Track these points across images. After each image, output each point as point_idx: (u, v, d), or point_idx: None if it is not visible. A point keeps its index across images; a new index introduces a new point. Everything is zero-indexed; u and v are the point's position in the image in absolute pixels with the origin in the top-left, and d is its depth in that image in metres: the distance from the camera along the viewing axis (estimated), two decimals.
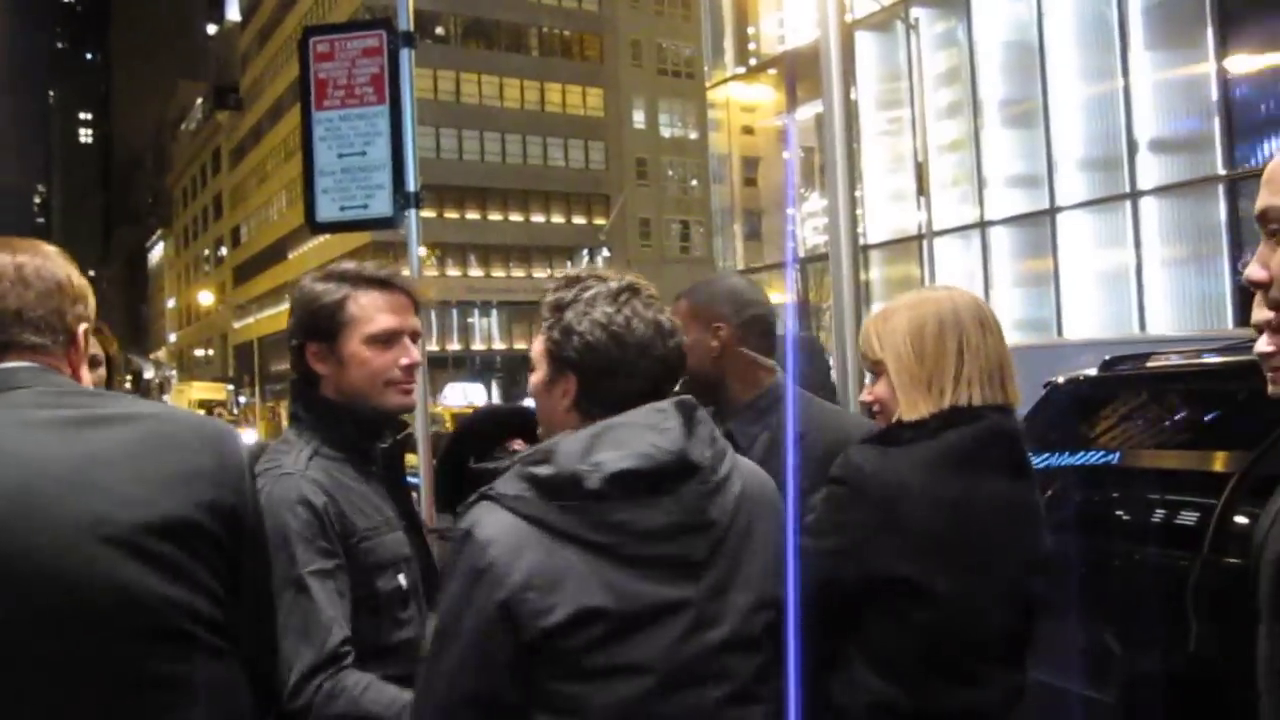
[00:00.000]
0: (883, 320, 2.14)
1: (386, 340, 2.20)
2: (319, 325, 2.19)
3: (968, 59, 21.53)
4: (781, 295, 31.66)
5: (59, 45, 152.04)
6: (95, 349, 2.96)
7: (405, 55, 5.93)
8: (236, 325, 73.76)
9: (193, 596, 1.55)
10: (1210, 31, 17.13)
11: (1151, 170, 18.20)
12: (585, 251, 53.86)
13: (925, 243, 20.14)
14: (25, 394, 1.57)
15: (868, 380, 2.21)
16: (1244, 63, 17.01)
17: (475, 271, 52.87)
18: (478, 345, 52.37)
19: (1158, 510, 3.79)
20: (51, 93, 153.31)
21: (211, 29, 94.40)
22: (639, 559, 1.65)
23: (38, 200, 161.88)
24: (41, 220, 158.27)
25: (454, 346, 50.69)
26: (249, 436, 28.34)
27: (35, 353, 1.60)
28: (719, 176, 31.57)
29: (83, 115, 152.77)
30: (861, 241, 24.42)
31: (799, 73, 26.42)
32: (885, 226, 23.14)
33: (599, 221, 52.80)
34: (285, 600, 1.95)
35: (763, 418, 2.53)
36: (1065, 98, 19.61)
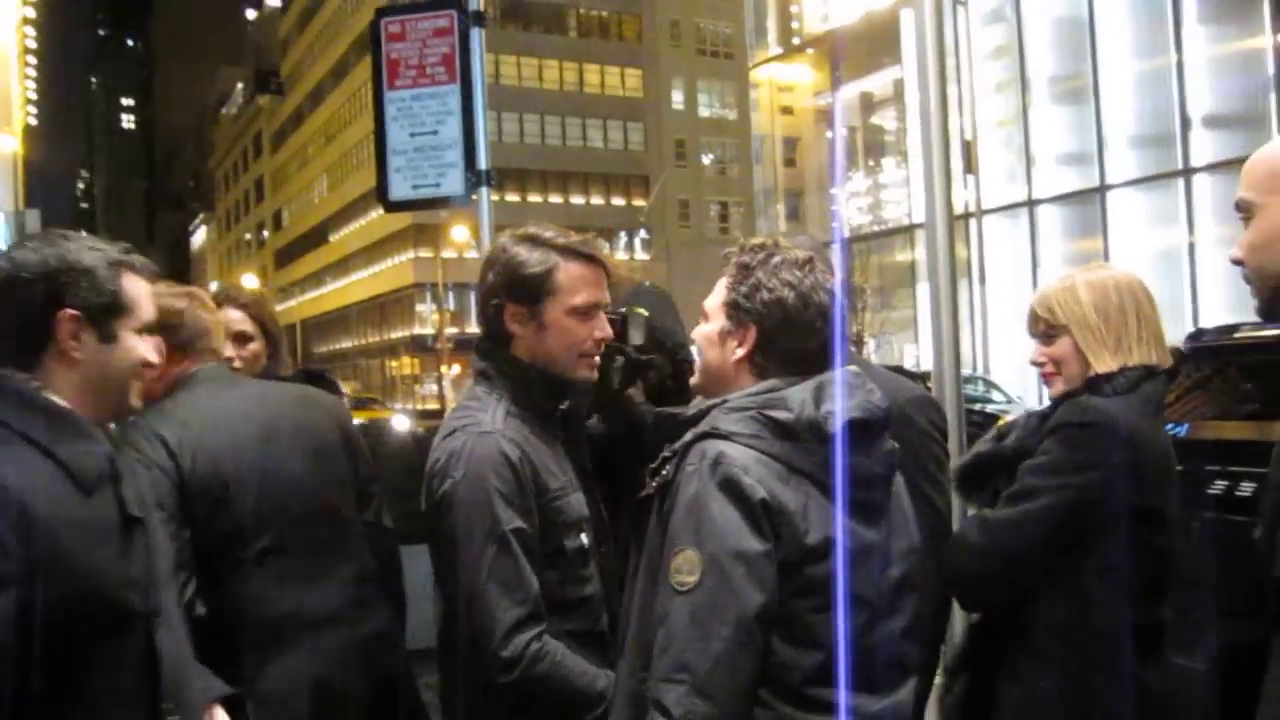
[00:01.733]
0: (1065, 290, 2.39)
1: (587, 312, 2.27)
2: (524, 288, 2.25)
3: (1016, 35, 21.29)
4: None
5: (100, 32, 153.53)
6: (243, 326, 3.04)
7: (475, 34, 5.97)
8: (279, 308, 74.43)
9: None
10: (1266, 4, 16.84)
11: (1205, 147, 17.94)
12: (624, 233, 53.90)
13: (974, 221, 19.96)
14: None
15: (1033, 346, 2.45)
16: None
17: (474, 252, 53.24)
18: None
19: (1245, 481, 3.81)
20: (94, 79, 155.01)
21: (252, 14, 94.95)
22: (854, 501, 1.80)
23: (81, 186, 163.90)
24: (85, 206, 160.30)
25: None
26: None
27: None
28: (760, 157, 31.42)
29: (125, 101, 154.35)
30: (906, 221, 24.32)
31: (841, 52, 26.26)
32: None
33: (638, 203, 52.78)
34: (489, 555, 2.06)
35: None
36: (1116, 73, 19.36)
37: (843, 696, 1.75)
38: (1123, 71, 19.28)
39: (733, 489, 1.74)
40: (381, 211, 6.21)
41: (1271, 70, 16.87)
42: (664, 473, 1.87)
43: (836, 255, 2.56)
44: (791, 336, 1.88)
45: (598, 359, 2.34)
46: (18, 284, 1.70)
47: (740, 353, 1.91)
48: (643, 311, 2.54)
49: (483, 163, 6.04)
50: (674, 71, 55.28)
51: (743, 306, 1.90)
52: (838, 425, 1.79)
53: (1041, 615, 2.21)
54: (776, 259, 1.91)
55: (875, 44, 24.45)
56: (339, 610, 2.50)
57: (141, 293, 1.84)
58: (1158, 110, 18.51)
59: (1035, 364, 2.46)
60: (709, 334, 1.96)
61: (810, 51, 27.83)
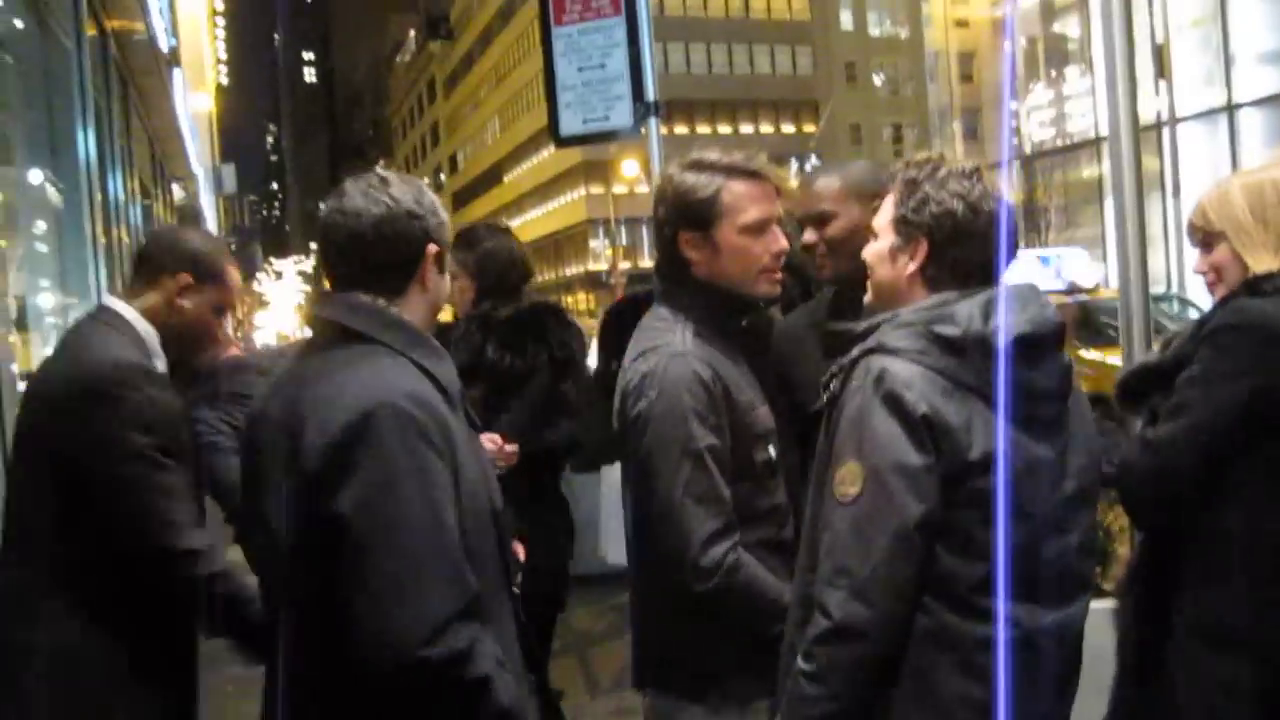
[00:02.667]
0: (1219, 195, 2.32)
1: (759, 228, 2.31)
2: (694, 214, 2.29)
3: None
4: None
5: None
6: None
7: None
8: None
9: None
10: None
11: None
12: (795, 160, 53.09)
13: (1167, 131, 18.86)
14: None
15: (1197, 253, 2.38)
16: None
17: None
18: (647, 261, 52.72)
19: None
20: (276, 36, 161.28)
21: None
22: (1023, 416, 1.81)
23: (270, 140, 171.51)
24: (275, 159, 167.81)
25: (623, 265, 51.18)
26: None
27: None
28: (934, 74, 30.39)
29: (306, 55, 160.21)
30: (1092, 134, 23.15)
31: None
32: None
33: (808, 129, 51.84)
34: (685, 470, 2.15)
35: None
36: None
37: (1002, 606, 1.78)
38: None
39: (895, 404, 1.77)
40: (552, 150, 6.34)
41: None
42: (832, 387, 1.91)
43: (1003, 173, 2.48)
44: (963, 247, 1.88)
45: (779, 274, 2.37)
46: (400, 219, 1.88)
47: (912, 267, 1.92)
48: None
49: (651, 94, 6.06)
50: None
51: (912, 221, 1.91)
52: (1003, 340, 1.78)
53: (1211, 527, 2.15)
54: (943, 171, 1.90)
55: None
56: None
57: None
58: None
59: (1198, 273, 2.39)
60: (880, 251, 1.98)
61: None
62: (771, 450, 2.30)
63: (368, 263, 1.88)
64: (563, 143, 6.15)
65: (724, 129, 53.11)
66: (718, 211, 2.28)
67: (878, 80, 54.52)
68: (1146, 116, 20.88)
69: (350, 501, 1.71)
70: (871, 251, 2.00)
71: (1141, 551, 2.38)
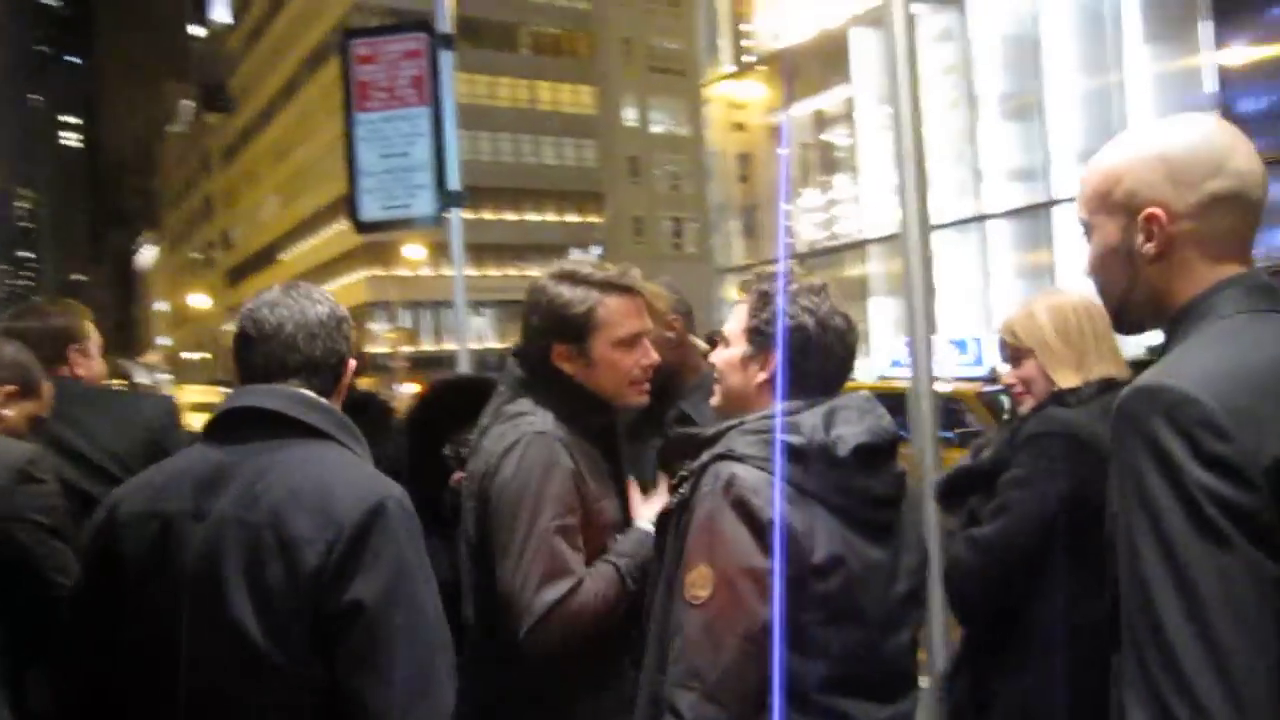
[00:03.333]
0: (1026, 316, 2.60)
1: (631, 342, 2.38)
2: (569, 328, 2.35)
3: (965, 53, 21.68)
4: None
5: (42, 49, 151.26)
6: None
7: (445, 57, 6.05)
8: (228, 328, 73.48)
9: None
10: (1205, 24, 17.33)
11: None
12: (575, 250, 53.89)
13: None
14: None
15: (1006, 367, 2.65)
16: (1239, 55, 17.21)
17: (468, 270, 52.91)
18: (471, 344, 52.41)
19: None
20: (35, 97, 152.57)
21: (199, 30, 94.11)
22: (861, 521, 1.91)
23: (27, 205, 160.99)
24: (30, 225, 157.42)
25: (449, 345, 50.72)
26: None
27: None
28: (714, 173, 31.66)
29: (68, 119, 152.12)
30: (859, 236, 24.62)
31: (794, 70, 26.57)
32: (885, 221, 23.26)
33: (591, 219, 52.90)
34: (536, 547, 2.18)
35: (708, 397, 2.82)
36: (1063, 91, 19.79)
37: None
38: (1069, 89, 19.71)
39: (744, 509, 1.84)
40: (334, 229, 6.27)
41: (1209, 88, 17.34)
42: (682, 490, 1.97)
43: (780, 272, 2.70)
44: (810, 360, 1.98)
45: (648, 385, 2.45)
46: (340, 322, 1.97)
47: (762, 377, 2.01)
48: None
49: (454, 183, 6.11)
50: (626, 88, 55.52)
51: (765, 332, 2.00)
52: (845, 449, 1.89)
53: (1031, 617, 2.34)
54: (794, 286, 2.01)
55: (828, 62, 24.80)
56: None
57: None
58: (1103, 127, 18.93)
59: (1006, 385, 2.65)
60: (731, 359, 2.07)
61: (762, 69, 28.13)
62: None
63: (310, 359, 1.89)
64: (363, 229, 6.11)
65: (510, 215, 53.53)
66: (592, 326, 2.34)
67: (659, 175, 56.34)
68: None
69: (372, 592, 1.69)
70: (723, 359, 2.09)
71: (968, 639, 2.55)
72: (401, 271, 46.21)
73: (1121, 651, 1.34)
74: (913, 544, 2.04)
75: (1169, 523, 1.28)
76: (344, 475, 1.78)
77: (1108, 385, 2.50)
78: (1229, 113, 17.06)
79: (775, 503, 1.84)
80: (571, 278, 2.38)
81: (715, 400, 2.13)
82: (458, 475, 3.05)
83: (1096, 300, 2.54)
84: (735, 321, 2.08)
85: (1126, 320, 1.58)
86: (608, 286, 2.37)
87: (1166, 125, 1.51)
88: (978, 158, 21.62)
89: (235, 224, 75.84)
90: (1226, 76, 17.25)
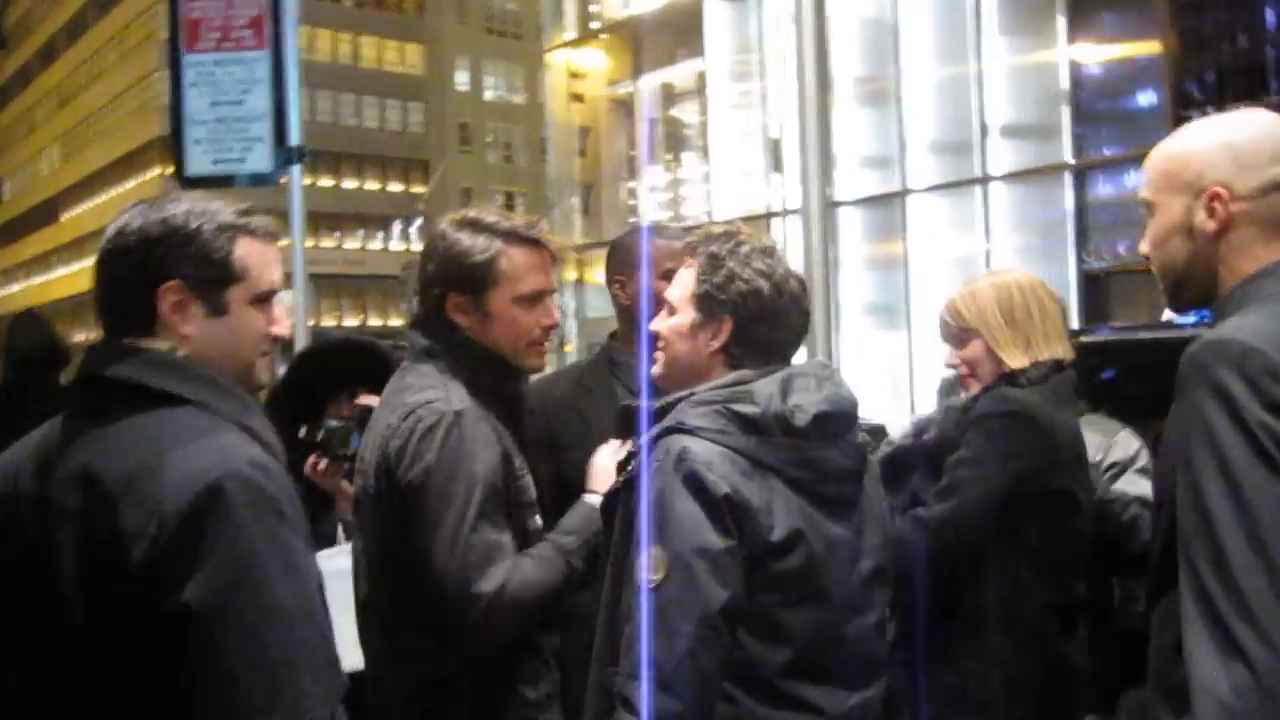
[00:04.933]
0: (970, 296, 2.66)
1: (533, 299, 2.33)
2: (467, 278, 2.30)
3: (818, 35, 22.18)
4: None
5: None
6: None
7: None
8: (3, 292, 69.47)
9: None
10: (1061, 19, 18.18)
11: (1002, 156, 19.20)
12: (400, 222, 53.01)
13: (778, 221, 20.70)
14: None
15: (946, 350, 2.70)
16: (1092, 52, 18.13)
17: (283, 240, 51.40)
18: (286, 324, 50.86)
19: None
20: None
21: None
22: (822, 496, 1.92)
23: None
24: None
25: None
26: None
27: None
28: (553, 146, 31.56)
29: None
30: (705, 219, 24.92)
31: (642, 40, 26.71)
32: (736, 203, 23.63)
33: (417, 189, 52.00)
34: (469, 539, 2.13)
35: None
36: (918, 79, 20.45)
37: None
38: (925, 77, 20.38)
39: (696, 485, 1.83)
40: (126, 187, 5.97)
41: (1064, 84, 18.22)
42: (630, 468, 1.95)
43: (643, 253, 2.76)
44: (766, 327, 1.99)
45: (547, 348, 2.42)
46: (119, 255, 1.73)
47: (715, 345, 2.00)
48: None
49: (294, 137, 5.88)
50: (458, 50, 54.79)
51: (716, 298, 1.98)
52: (803, 419, 1.90)
53: (974, 601, 2.40)
54: (745, 248, 2.01)
55: (678, 34, 24.98)
56: None
57: (258, 258, 1.84)
58: (958, 118, 19.67)
59: (950, 367, 2.71)
60: (678, 327, 2.04)
61: (607, 38, 28.16)
62: (537, 520, 2.32)
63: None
64: (190, 184, 5.80)
65: (326, 181, 52.07)
66: (492, 278, 2.30)
67: (492, 145, 55.87)
68: (756, 207, 22.85)
69: (199, 596, 1.51)
70: (670, 327, 2.06)
71: (901, 628, 2.58)
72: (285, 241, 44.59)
73: (1181, 593, 1.49)
74: (876, 520, 2.06)
75: (1232, 458, 1.46)
76: (179, 451, 1.60)
77: (1057, 367, 2.60)
78: (1080, 109, 17.99)
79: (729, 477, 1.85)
80: (474, 225, 2.34)
81: (657, 370, 2.10)
82: (313, 461, 2.91)
83: (1040, 280, 2.65)
84: (681, 286, 2.05)
85: (1183, 296, 1.75)
86: (513, 237, 2.33)
87: (1231, 118, 1.73)
88: (829, 143, 22.16)
89: (9, 177, 71.56)
90: (1079, 72, 18.15)
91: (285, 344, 3.70)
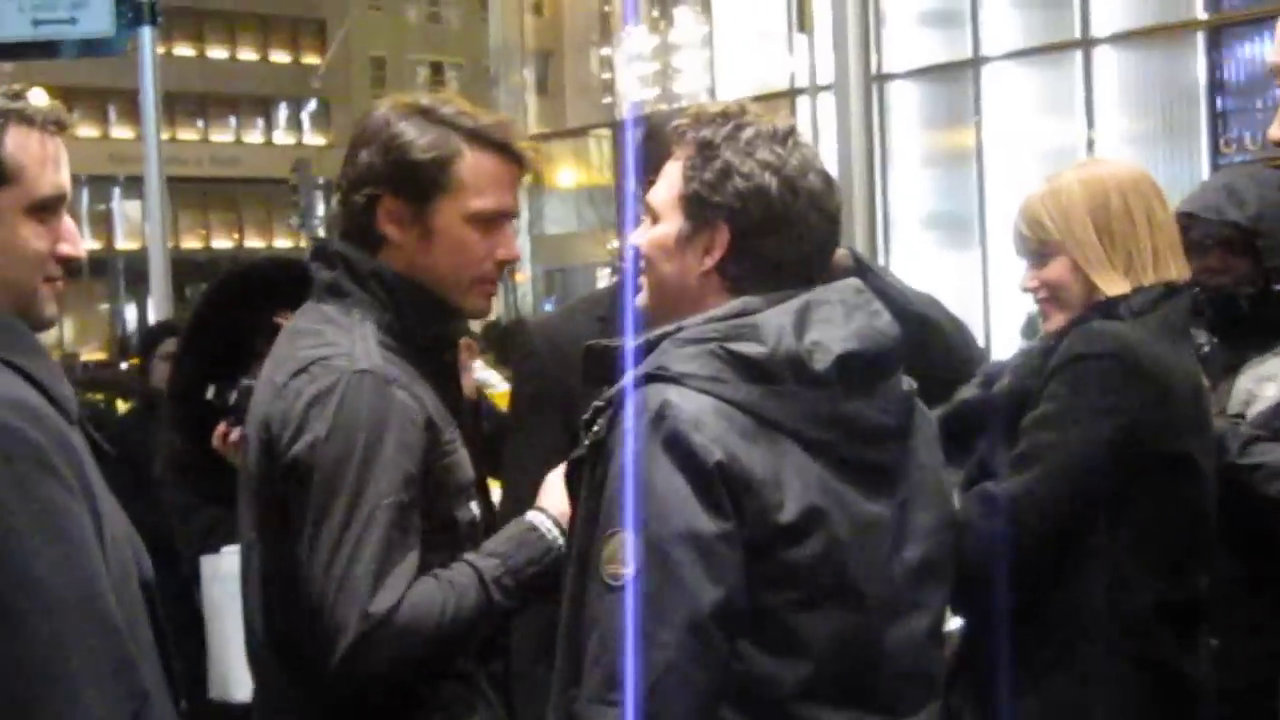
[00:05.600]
0: (1052, 198, 2.64)
1: (490, 221, 2.37)
2: (410, 178, 2.32)
3: None
4: (581, 174, 31.61)
5: None
6: None
7: None
8: None
9: None
10: None
11: (1111, 9, 19.11)
12: (287, 105, 52.64)
13: (806, 99, 20.61)
14: None
15: (1024, 270, 2.71)
16: None
17: (121, 131, 50.90)
18: (124, 242, 50.52)
19: None
20: None
21: None
22: (850, 463, 1.94)
23: None
24: None
25: (89, 245, 48.79)
26: None
27: None
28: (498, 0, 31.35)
29: None
30: (705, 98, 24.82)
31: None
32: (746, 78, 23.51)
33: (310, 60, 51.61)
34: (360, 535, 2.13)
35: None
36: None
37: None
38: None
39: (679, 450, 1.84)
40: None
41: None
42: (596, 428, 1.96)
43: (627, 142, 2.78)
44: (775, 238, 1.99)
45: (495, 289, 2.46)
46: None
47: (708, 263, 2.01)
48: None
49: None
50: None
51: (708, 200, 1.99)
52: (825, 361, 1.90)
53: (1063, 603, 2.44)
54: (748, 132, 2.00)
55: None
56: None
57: (36, 155, 1.87)
58: None
59: (1027, 290, 2.72)
60: (662, 239, 2.06)
61: None
62: (474, 507, 2.36)
63: None
64: (1, 53, 5.79)
65: (185, 50, 51.51)
66: (444, 184, 2.33)
67: (411, 0, 55.41)
68: (778, 82, 22.74)
69: None
70: (651, 240, 2.08)
71: (970, 638, 2.63)
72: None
73: None
74: (930, 495, 2.07)
75: None
76: None
77: (1170, 291, 2.60)
78: None
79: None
80: (427, 114, 2.36)
81: (642, 298, 2.13)
82: (223, 430, 2.96)
83: (1145, 174, 2.65)
84: (665, 186, 2.07)
85: None
86: (477, 137, 2.35)
87: None
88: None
89: None
90: None
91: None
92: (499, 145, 2.37)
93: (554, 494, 2.30)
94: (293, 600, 2.19)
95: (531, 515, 2.33)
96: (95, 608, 1.65)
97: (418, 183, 2.32)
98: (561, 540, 2.24)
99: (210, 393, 3.00)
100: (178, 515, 3.98)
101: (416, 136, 2.32)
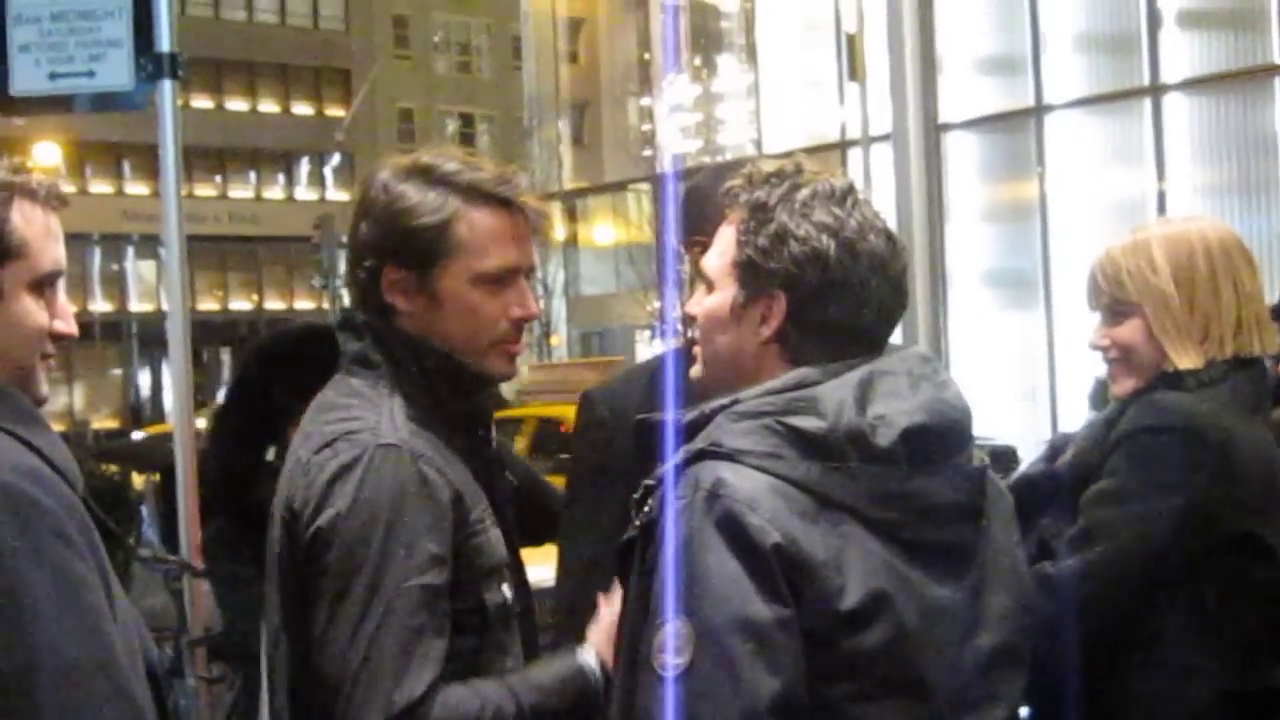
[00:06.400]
0: (1134, 253, 2.62)
1: (499, 280, 2.37)
2: (410, 246, 2.34)
3: None
4: (619, 231, 31.59)
5: None
6: None
7: None
8: None
9: None
10: None
11: (1181, 54, 19.13)
12: (309, 160, 53.05)
13: (858, 151, 20.66)
14: None
15: (1095, 325, 2.69)
16: None
17: (135, 187, 51.47)
18: (137, 304, 50.96)
19: None
20: None
21: None
22: (916, 543, 1.94)
23: None
24: None
25: (100, 306, 49.25)
26: None
27: None
28: (531, 47, 31.60)
29: None
30: (752, 150, 24.95)
31: None
32: (795, 129, 23.60)
33: (334, 113, 52.09)
34: (383, 619, 2.14)
35: None
36: None
37: None
38: None
39: (734, 531, 1.84)
40: None
41: None
42: (647, 507, 1.97)
43: (666, 199, 2.76)
44: (835, 305, 1.99)
45: (520, 349, 2.45)
46: None
47: (765, 332, 2.03)
48: None
49: (165, 42, 5.94)
50: None
51: (763, 267, 2.01)
52: (890, 437, 1.91)
53: (1120, 691, 2.42)
54: (805, 191, 2.01)
55: None
56: None
57: (40, 230, 1.94)
58: (1117, 2, 19.62)
59: (1096, 348, 2.71)
60: (716, 308, 2.08)
61: None
62: (506, 591, 2.35)
63: None
64: (18, 107, 5.87)
65: (203, 103, 52.07)
66: (443, 248, 2.34)
67: (441, 48, 55.90)
68: (828, 133, 22.81)
69: None
70: (706, 310, 2.10)
71: None
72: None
73: None
74: (1005, 578, 2.07)
75: None
76: None
77: (1242, 362, 2.59)
78: None
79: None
80: (425, 174, 2.38)
81: (696, 370, 2.15)
82: None
83: (1235, 236, 2.63)
84: (719, 252, 2.09)
85: None
86: (474, 193, 2.37)
87: None
88: (934, 39, 22.13)
89: None
90: None
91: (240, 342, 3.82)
92: (500, 200, 2.38)
93: (607, 633, 2.30)
94: (313, 686, 2.20)
95: (583, 656, 2.33)
96: (111, 675, 1.70)
97: (417, 250, 2.34)
98: (603, 686, 2.24)
99: (270, 454, 3.04)
100: (225, 584, 3.99)
101: (412, 202, 2.35)
